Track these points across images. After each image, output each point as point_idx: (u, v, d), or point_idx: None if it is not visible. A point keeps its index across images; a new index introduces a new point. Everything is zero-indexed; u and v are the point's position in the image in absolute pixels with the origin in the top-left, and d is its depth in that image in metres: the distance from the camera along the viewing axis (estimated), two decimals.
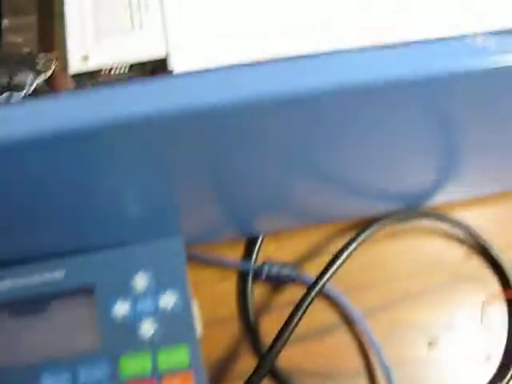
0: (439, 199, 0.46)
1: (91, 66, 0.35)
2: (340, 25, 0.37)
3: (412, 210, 0.46)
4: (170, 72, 0.35)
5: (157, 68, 0.36)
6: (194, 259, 0.45)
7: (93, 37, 0.35)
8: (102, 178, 0.32)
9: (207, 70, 0.28)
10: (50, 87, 0.36)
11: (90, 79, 0.35)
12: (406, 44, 0.29)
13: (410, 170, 0.41)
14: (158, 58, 0.35)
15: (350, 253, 0.43)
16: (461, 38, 0.29)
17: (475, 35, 0.29)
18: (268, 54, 0.35)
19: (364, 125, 0.32)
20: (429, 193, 0.45)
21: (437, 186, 0.44)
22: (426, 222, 0.47)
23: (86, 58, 0.35)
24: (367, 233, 0.44)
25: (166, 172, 0.34)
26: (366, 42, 0.34)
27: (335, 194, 0.42)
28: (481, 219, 0.48)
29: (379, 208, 0.45)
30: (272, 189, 0.40)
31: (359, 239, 0.44)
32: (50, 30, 0.36)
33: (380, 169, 0.39)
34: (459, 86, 0.30)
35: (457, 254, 0.47)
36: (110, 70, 0.35)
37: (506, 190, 0.48)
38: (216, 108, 0.27)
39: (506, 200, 0.49)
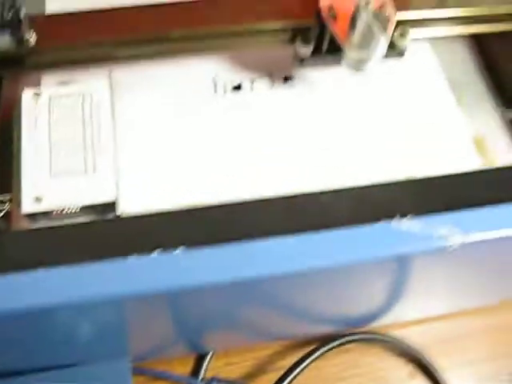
0: (387, 319, 0.48)
1: (44, 207, 0.36)
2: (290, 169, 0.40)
3: (358, 330, 0.48)
4: (118, 216, 0.37)
5: (106, 210, 0.37)
6: (143, 374, 0.46)
7: (47, 178, 0.37)
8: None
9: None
10: (7, 225, 0.37)
11: (43, 218, 0.37)
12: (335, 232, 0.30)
13: (356, 305, 0.42)
14: (108, 202, 0.37)
15: (297, 374, 0.45)
16: (387, 223, 0.31)
17: (402, 219, 0.31)
18: (209, 200, 0.38)
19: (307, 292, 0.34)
20: (375, 317, 0.46)
21: (383, 312, 0.45)
22: (372, 341, 0.49)
23: (38, 200, 0.37)
24: (315, 355, 0.45)
25: (121, 319, 0.36)
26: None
27: (284, 322, 0.44)
28: (426, 338, 0.49)
29: (327, 329, 0.47)
30: (223, 318, 0.41)
31: (306, 362, 0.45)
32: (7, 170, 0.38)
33: (327, 304, 0.41)
34: (390, 263, 0.32)
35: (401, 373, 0.48)
36: (63, 210, 0.37)
37: (450, 311, 0.50)
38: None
39: (451, 319, 0.50)
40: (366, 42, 0.37)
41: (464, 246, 0.31)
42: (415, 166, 0.41)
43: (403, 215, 0.31)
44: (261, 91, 0.43)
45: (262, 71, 0.44)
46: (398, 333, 0.49)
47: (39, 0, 0.44)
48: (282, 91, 0.43)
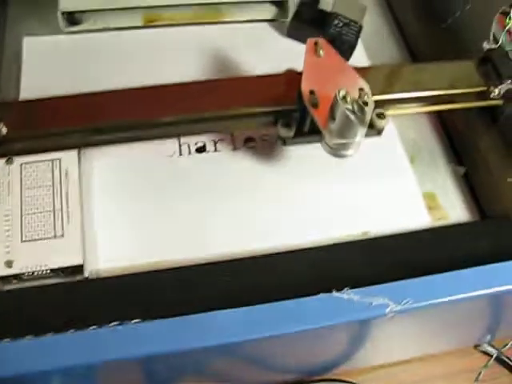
0: (348, 365, 0.50)
1: (15, 270, 0.39)
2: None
3: (320, 377, 0.50)
4: (86, 278, 0.40)
5: (75, 272, 0.40)
6: None
7: (18, 243, 0.39)
8: None
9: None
10: None
11: (15, 280, 0.39)
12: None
13: (316, 358, 0.45)
14: (76, 265, 0.39)
15: None
16: (329, 295, 0.33)
17: (342, 292, 0.33)
18: (172, 258, 0.41)
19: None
20: (336, 364, 0.49)
21: (343, 360, 0.48)
22: None
23: (10, 263, 0.39)
24: None
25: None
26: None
27: (246, 373, 0.46)
28: (383, 382, 0.52)
29: (290, 376, 0.49)
30: (185, 373, 0.43)
31: None
32: None
33: (286, 360, 0.44)
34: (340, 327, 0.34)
35: None
36: (33, 272, 0.39)
37: (409, 356, 0.52)
38: None
39: (410, 365, 0.53)
40: (345, 131, 0.38)
41: (402, 312, 0.33)
42: (367, 223, 0.44)
43: (344, 285, 0.33)
44: (224, 152, 0.46)
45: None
46: (359, 378, 0.51)
47: (13, 87, 0.47)
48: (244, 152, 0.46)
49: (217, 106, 0.43)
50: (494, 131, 0.47)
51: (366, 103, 0.37)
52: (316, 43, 0.42)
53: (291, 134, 0.42)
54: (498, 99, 0.46)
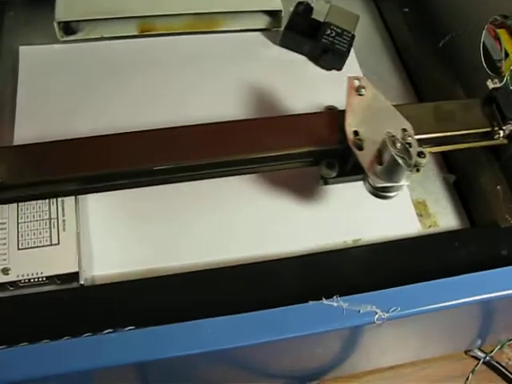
0: (339, 371, 0.51)
1: (11, 277, 0.39)
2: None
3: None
4: (81, 284, 0.40)
5: (70, 279, 0.40)
6: None
7: (14, 251, 0.40)
8: None
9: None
10: None
11: (11, 287, 0.40)
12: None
13: (306, 364, 0.46)
14: (71, 272, 0.40)
15: None
16: (319, 302, 0.34)
17: (332, 300, 0.34)
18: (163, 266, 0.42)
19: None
20: (329, 369, 0.49)
21: (336, 365, 0.49)
22: None
23: (6, 271, 0.39)
24: None
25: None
26: None
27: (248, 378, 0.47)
28: None
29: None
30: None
31: None
32: None
33: (272, 365, 0.44)
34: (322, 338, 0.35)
35: None
36: (29, 279, 0.40)
37: (400, 362, 0.53)
38: None
39: (399, 369, 0.53)
40: (392, 175, 0.37)
41: (390, 319, 0.34)
42: (358, 231, 0.45)
43: (335, 292, 0.34)
44: None
45: None
46: None
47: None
48: None
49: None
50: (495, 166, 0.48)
51: (409, 144, 0.37)
52: (357, 81, 0.42)
53: (334, 174, 0.41)
54: (502, 139, 0.46)
